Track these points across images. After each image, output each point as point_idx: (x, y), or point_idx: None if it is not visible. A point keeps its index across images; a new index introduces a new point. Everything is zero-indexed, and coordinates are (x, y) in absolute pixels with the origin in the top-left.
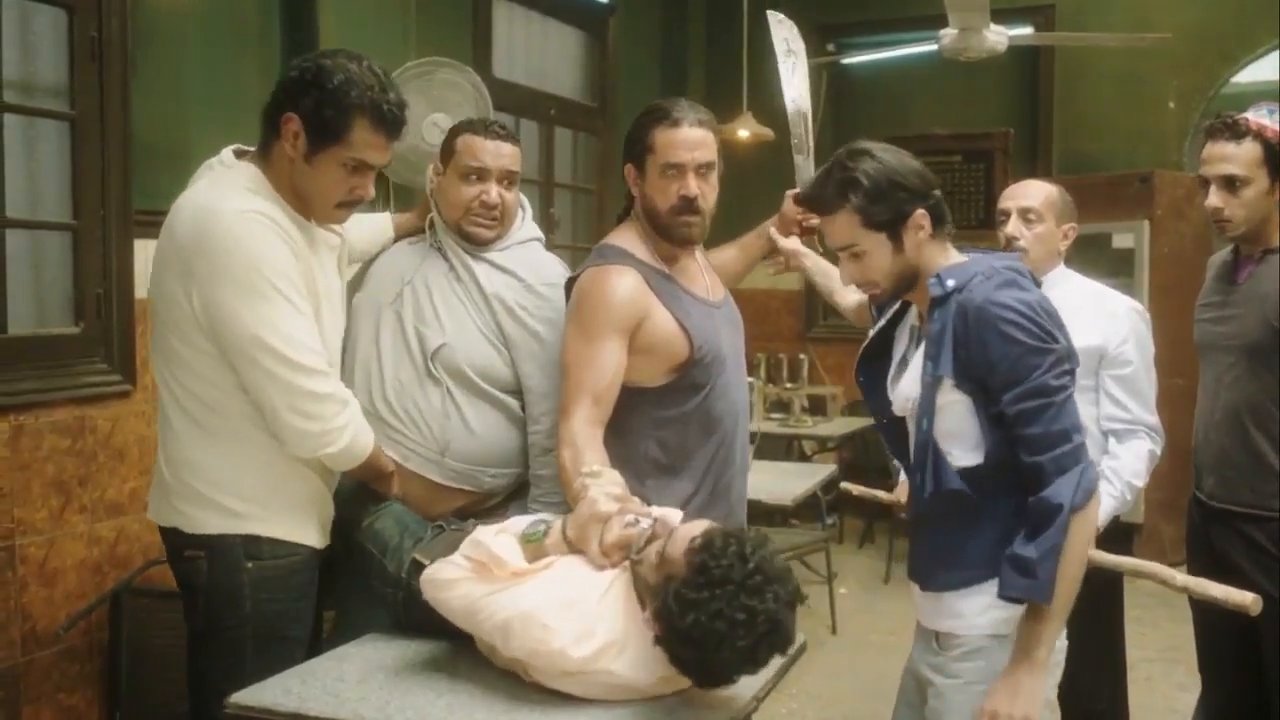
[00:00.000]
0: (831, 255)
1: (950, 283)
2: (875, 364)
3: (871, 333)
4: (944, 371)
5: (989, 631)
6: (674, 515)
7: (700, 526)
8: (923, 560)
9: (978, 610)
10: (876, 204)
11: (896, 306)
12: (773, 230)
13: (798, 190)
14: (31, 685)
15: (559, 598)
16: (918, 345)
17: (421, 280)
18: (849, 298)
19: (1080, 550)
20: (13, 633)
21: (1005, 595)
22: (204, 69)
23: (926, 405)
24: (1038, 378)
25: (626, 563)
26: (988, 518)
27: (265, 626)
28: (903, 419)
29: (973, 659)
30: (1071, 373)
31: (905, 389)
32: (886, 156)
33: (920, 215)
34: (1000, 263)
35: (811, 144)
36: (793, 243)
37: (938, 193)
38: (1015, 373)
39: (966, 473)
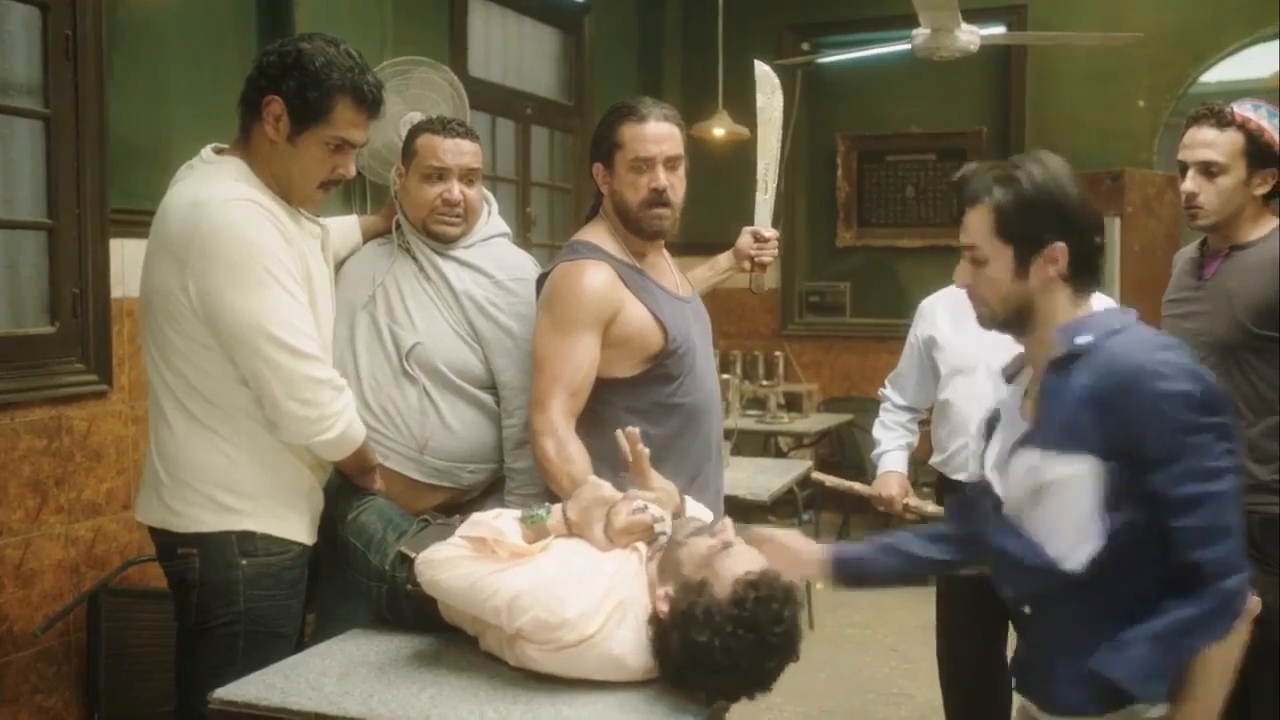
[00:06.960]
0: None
1: (1083, 340)
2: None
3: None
4: (1067, 439)
5: None
6: (703, 513)
7: (759, 561)
8: (1042, 673)
9: None
10: (1018, 212)
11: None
12: None
13: (754, 227)
14: (8, 687)
15: (571, 572)
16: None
17: (392, 281)
18: None
19: (1222, 670)
20: None
21: (1093, 669)
22: (181, 67)
23: (1033, 478)
24: (1199, 459)
25: (639, 545)
26: (1112, 610)
27: (257, 623)
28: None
29: None
30: (1235, 451)
31: (1022, 460)
32: (1059, 174)
33: (1059, 249)
34: (1147, 327)
35: (772, 183)
36: None
37: (1099, 240)
38: (1173, 449)
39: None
